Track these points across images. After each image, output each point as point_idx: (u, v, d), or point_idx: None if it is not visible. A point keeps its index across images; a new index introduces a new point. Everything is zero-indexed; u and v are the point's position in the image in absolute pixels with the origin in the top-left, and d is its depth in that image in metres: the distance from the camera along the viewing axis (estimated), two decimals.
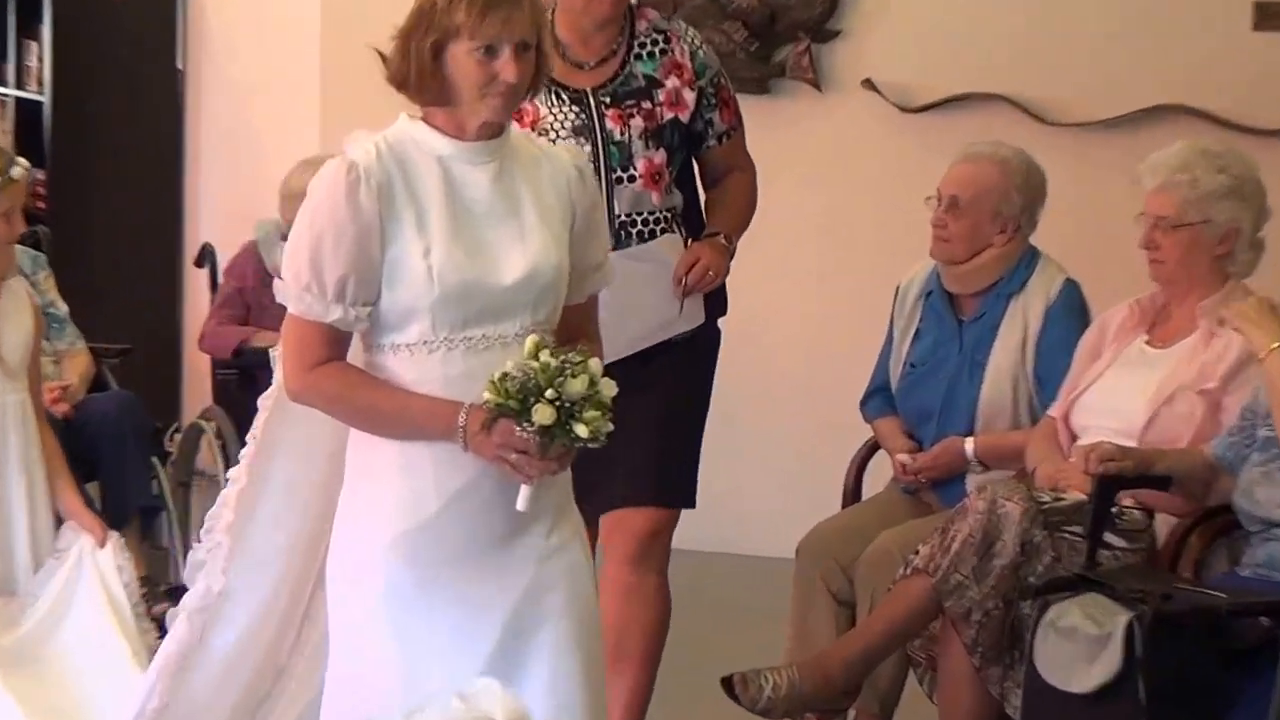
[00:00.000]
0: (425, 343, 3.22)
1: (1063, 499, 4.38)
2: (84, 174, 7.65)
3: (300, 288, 3.22)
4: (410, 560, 3.23)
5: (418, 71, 3.23)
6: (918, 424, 4.96)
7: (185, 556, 5.50)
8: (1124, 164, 5.07)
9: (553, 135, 4.26)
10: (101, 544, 4.61)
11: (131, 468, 5.55)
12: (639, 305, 4.22)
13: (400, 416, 3.22)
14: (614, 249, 3.90)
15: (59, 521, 4.68)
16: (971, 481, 4.77)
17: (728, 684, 4.33)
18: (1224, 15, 6.75)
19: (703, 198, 4.52)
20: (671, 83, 4.37)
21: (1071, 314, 4.86)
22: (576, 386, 3.11)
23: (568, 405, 3.12)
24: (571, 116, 4.29)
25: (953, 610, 4.30)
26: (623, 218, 4.30)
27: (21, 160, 4.84)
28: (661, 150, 4.34)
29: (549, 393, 3.11)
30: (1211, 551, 4.32)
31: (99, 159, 7.71)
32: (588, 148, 4.25)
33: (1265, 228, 4.60)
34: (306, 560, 3.51)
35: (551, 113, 4.28)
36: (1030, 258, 4.92)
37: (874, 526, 4.74)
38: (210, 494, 5.92)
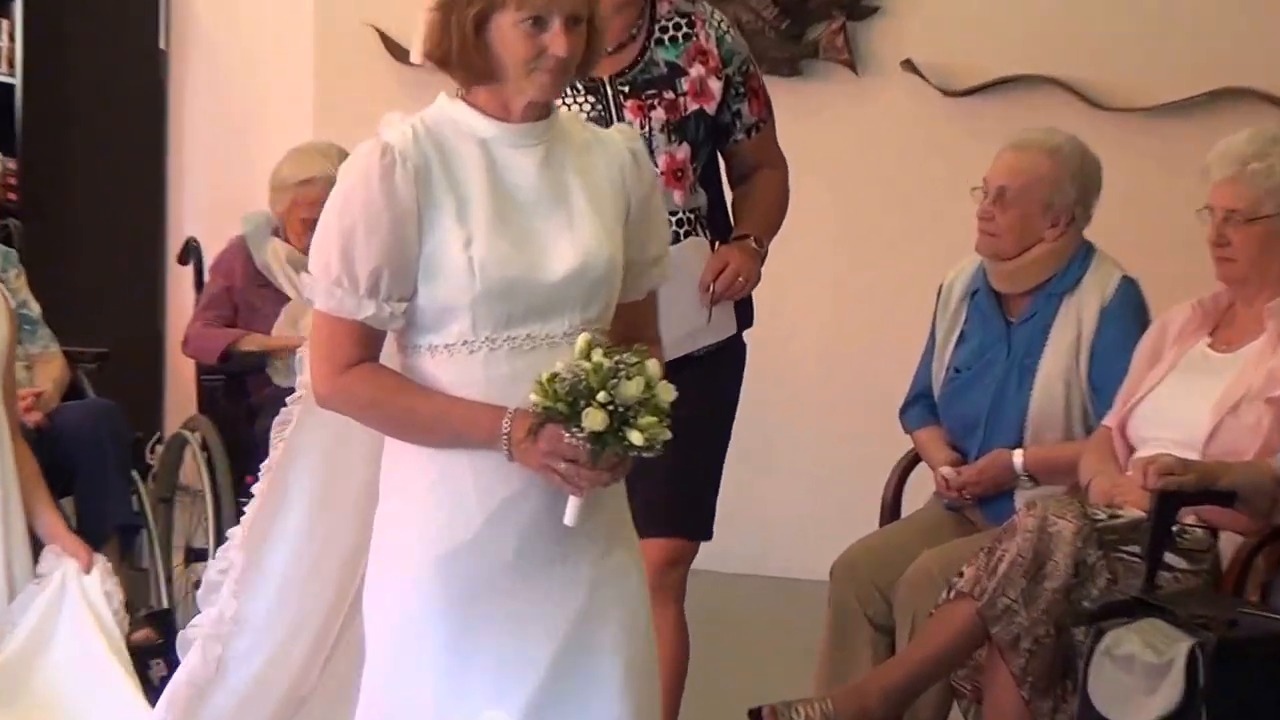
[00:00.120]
0: (465, 343, 3.19)
1: (1119, 516, 4.38)
2: (58, 163, 7.66)
3: (330, 282, 3.19)
4: (448, 583, 3.19)
5: (459, 46, 3.20)
6: (962, 434, 4.96)
7: (167, 578, 5.57)
8: (1186, 152, 5.07)
9: None
10: (87, 569, 4.57)
11: (110, 482, 5.53)
12: (662, 314, 4.21)
13: (439, 422, 3.19)
14: None
15: (35, 543, 4.64)
16: (1020, 497, 4.78)
17: (756, 717, 4.34)
18: None
19: (729, 197, 4.51)
20: (696, 70, 4.35)
21: (1129, 314, 4.85)
22: (631, 390, 3.07)
23: (621, 410, 3.08)
24: (586, 107, 4.27)
25: (1000, 637, 4.30)
26: None
27: None
28: (685, 145, 4.32)
29: (601, 396, 3.07)
30: None
31: (75, 147, 7.74)
32: None
33: None
34: (340, 584, 3.49)
35: (564, 103, 4.23)
36: (1084, 253, 4.91)
37: (914, 546, 4.74)
38: (194, 510, 5.95)
